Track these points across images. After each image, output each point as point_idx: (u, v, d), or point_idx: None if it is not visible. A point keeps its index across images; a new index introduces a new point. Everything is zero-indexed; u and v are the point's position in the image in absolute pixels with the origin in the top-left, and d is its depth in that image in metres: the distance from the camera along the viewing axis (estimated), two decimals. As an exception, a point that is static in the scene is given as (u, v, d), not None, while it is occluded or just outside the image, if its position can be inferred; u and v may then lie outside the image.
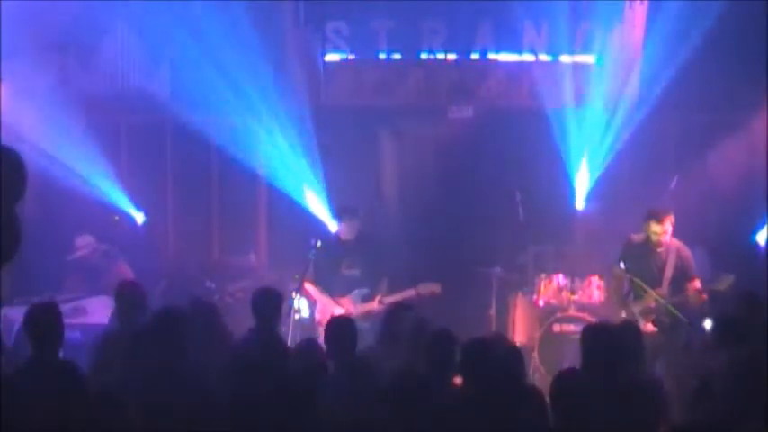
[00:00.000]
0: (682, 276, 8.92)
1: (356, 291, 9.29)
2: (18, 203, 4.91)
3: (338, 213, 9.69)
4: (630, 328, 6.75)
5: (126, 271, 9.90)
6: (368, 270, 9.32)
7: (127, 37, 10.79)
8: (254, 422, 5.33)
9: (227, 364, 6.26)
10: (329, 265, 9.32)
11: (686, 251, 9.00)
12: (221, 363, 6.28)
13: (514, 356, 6.08)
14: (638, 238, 9.08)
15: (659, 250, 8.95)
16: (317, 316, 9.37)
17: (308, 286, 9.31)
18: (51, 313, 6.15)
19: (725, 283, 8.88)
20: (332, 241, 9.56)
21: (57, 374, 5.72)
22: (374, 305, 9.16)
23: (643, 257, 8.98)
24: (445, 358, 6.09)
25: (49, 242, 9.70)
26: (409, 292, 9.19)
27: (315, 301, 9.43)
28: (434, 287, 9.28)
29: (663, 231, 8.88)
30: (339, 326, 6.70)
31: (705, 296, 8.77)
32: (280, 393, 5.28)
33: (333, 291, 9.32)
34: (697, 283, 8.88)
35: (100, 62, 10.67)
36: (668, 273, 8.92)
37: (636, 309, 8.94)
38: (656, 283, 8.90)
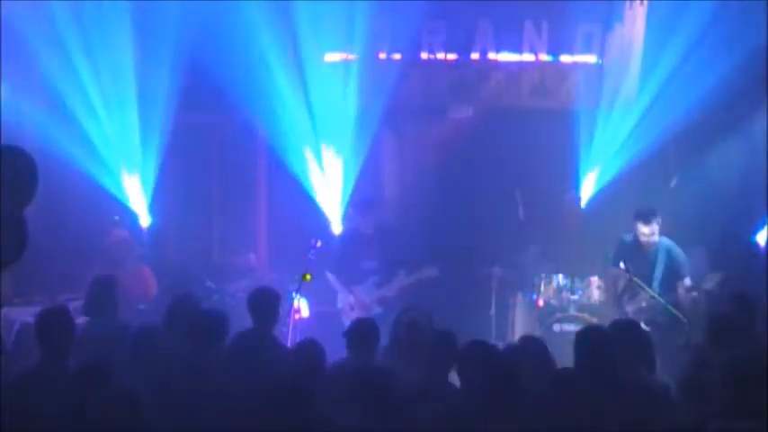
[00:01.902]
0: (672, 276, 9.05)
1: (370, 279, 9.67)
2: (27, 207, 4.83)
3: (360, 207, 10.01)
4: (630, 326, 6.73)
5: (149, 277, 9.79)
6: (385, 260, 9.71)
7: (127, 37, 10.78)
8: (250, 422, 5.34)
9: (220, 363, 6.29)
10: (350, 258, 9.73)
11: (677, 251, 9.12)
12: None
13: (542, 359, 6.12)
14: (628, 237, 9.26)
15: (649, 250, 9.09)
16: (339, 305, 9.79)
17: (330, 276, 9.74)
18: (64, 319, 6.16)
19: (712, 280, 8.97)
20: (351, 235, 9.94)
21: (71, 378, 5.72)
22: (388, 291, 9.61)
23: (634, 257, 9.12)
24: (445, 359, 6.10)
25: (50, 242, 9.70)
26: (411, 278, 9.61)
27: (336, 290, 9.82)
28: (433, 270, 9.67)
29: (650, 232, 9.03)
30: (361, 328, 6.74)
31: (696, 294, 8.89)
32: (276, 393, 5.28)
33: (349, 280, 9.73)
34: (687, 282, 9.00)
35: (100, 62, 10.66)
36: (658, 272, 9.03)
37: (630, 309, 9.09)
38: (645, 282, 8.99)
